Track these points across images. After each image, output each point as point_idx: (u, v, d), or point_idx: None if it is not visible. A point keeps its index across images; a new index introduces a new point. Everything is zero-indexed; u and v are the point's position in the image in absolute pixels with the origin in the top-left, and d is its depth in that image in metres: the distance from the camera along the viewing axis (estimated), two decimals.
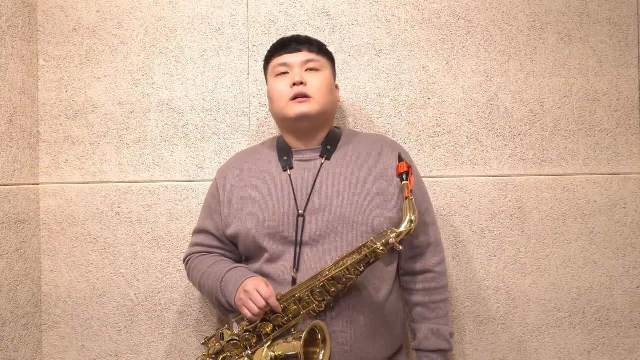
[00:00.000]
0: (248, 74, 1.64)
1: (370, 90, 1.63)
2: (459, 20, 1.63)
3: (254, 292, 1.18)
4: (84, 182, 1.66)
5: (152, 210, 1.64)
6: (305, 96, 1.29)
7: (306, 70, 1.32)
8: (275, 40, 1.62)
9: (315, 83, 1.31)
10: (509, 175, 1.62)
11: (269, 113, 1.63)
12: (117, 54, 1.65)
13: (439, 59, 1.62)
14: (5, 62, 1.52)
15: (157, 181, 1.65)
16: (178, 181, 1.64)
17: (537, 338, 1.62)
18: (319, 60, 1.34)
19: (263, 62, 1.43)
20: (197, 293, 1.64)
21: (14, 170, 1.55)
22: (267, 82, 1.40)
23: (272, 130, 1.63)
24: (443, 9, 1.63)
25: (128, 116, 1.65)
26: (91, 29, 1.66)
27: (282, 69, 1.33)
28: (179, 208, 1.64)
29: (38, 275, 1.65)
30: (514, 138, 1.62)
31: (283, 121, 1.35)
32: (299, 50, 1.33)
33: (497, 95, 1.62)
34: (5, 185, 1.51)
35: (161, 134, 1.65)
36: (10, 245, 1.53)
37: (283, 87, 1.31)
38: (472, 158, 1.62)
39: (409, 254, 1.36)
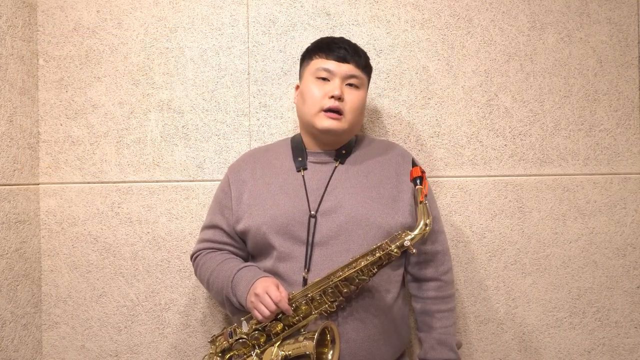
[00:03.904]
0: (248, 74, 1.64)
1: (370, 90, 1.62)
2: (459, 20, 1.62)
3: (265, 295, 1.16)
4: (84, 182, 1.66)
5: (152, 210, 1.64)
6: (338, 112, 1.28)
7: (346, 85, 1.30)
8: (275, 41, 1.63)
9: (351, 101, 1.30)
10: (509, 175, 1.62)
11: (269, 113, 1.63)
12: (117, 54, 1.65)
13: (439, 59, 1.62)
14: (5, 62, 1.52)
15: (157, 181, 1.65)
16: (178, 181, 1.64)
17: (537, 338, 1.62)
18: (361, 78, 1.33)
19: (302, 54, 1.39)
20: (197, 293, 1.64)
21: (14, 170, 1.55)
22: (301, 75, 1.38)
23: (272, 130, 1.63)
24: (443, 9, 1.63)
25: (128, 116, 1.65)
26: (91, 29, 1.66)
27: (324, 74, 1.30)
28: (179, 208, 1.64)
29: (38, 275, 1.65)
30: (514, 138, 1.62)
31: (308, 126, 1.34)
32: (346, 62, 1.30)
33: (497, 95, 1.62)
34: (5, 185, 1.51)
35: (161, 134, 1.65)
36: (10, 245, 1.53)
37: (319, 94, 1.29)
38: (472, 158, 1.62)
39: (416, 259, 1.36)
